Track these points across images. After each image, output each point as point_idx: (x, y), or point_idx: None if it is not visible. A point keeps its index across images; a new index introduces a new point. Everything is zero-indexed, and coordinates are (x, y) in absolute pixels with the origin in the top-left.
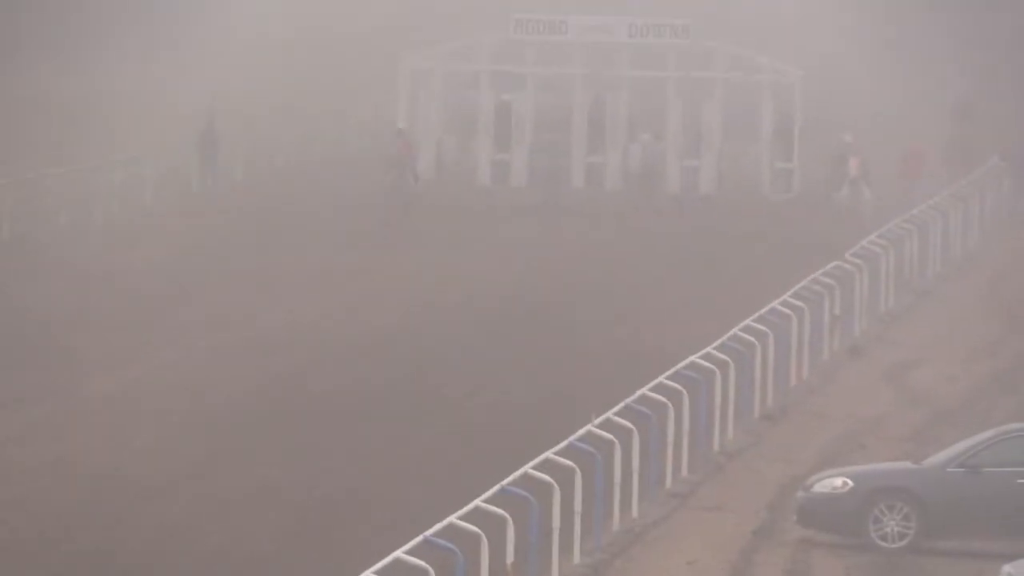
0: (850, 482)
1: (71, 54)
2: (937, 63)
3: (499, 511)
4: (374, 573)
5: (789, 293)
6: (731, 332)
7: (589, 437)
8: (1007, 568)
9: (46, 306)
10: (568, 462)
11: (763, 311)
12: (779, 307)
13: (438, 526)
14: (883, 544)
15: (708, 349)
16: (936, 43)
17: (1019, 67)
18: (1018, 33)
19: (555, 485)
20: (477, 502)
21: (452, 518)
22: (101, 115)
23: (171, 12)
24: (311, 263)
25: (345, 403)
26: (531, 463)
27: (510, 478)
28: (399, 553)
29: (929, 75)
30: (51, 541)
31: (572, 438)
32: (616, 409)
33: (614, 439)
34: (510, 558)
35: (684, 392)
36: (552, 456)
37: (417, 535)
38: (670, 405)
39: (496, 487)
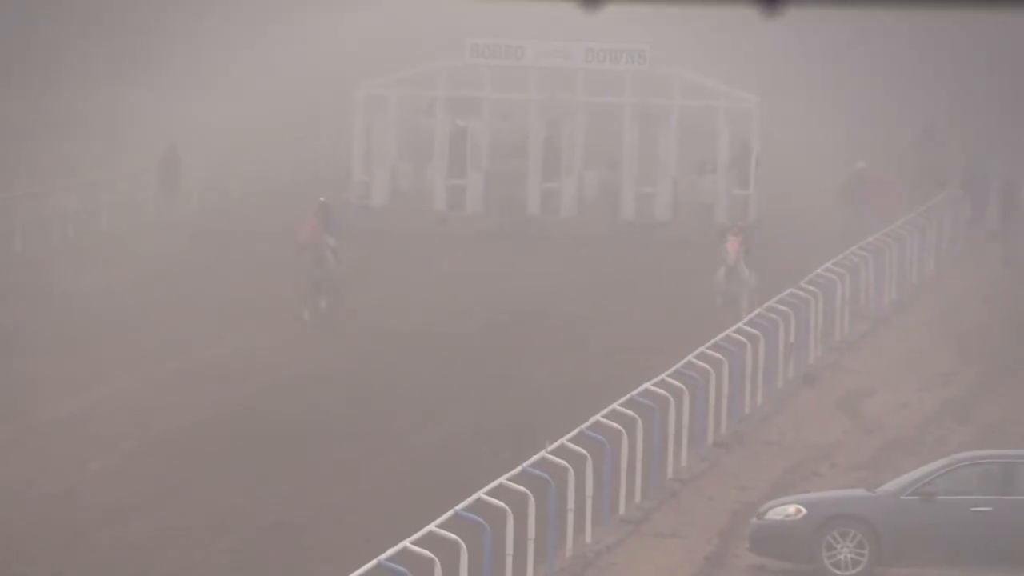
0: (804, 509)
1: (30, 74)
2: (908, 87)
3: (453, 536)
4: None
5: (744, 321)
6: (685, 359)
7: (543, 463)
8: None
9: (3, 327)
10: (521, 488)
11: (718, 338)
12: (733, 335)
13: (392, 550)
14: (836, 572)
15: (662, 376)
16: (907, 67)
17: (992, 91)
18: (992, 57)
19: (509, 511)
20: (431, 527)
21: (406, 542)
22: (56, 136)
23: (140, 37)
24: (266, 291)
25: (297, 431)
26: (484, 489)
27: (464, 503)
28: (406, 544)
29: (898, 101)
30: (5, 565)
31: (526, 464)
32: (570, 436)
33: (568, 465)
34: None
35: (638, 419)
36: (505, 482)
37: (371, 559)
38: (624, 432)
39: (450, 512)
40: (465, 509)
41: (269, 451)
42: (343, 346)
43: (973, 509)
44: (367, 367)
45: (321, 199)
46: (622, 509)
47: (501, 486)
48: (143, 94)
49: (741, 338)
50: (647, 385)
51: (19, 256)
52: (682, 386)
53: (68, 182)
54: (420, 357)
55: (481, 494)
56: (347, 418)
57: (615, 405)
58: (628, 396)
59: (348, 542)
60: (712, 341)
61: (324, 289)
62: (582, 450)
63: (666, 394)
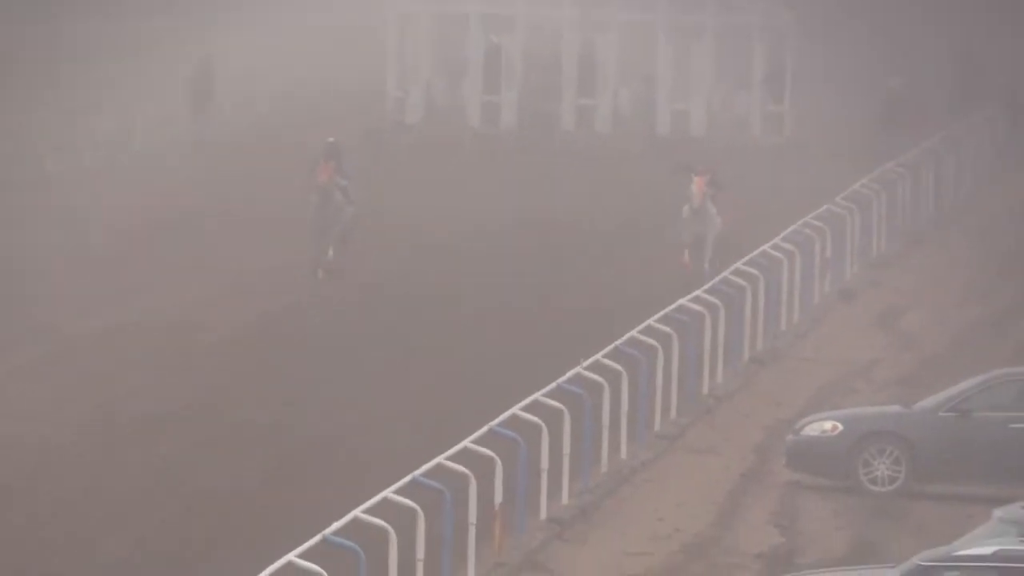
0: (840, 426)
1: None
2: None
3: (487, 452)
4: (363, 512)
5: (780, 237)
6: (722, 275)
7: (578, 379)
8: (998, 512)
9: (37, 249)
10: (557, 404)
11: (754, 254)
12: (770, 250)
13: (426, 466)
14: (873, 488)
15: (698, 292)
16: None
17: None
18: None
19: (544, 426)
20: (465, 443)
21: (440, 459)
22: (84, 63)
23: None
24: (303, 208)
25: (334, 346)
26: (520, 404)
27: (499, 419)
28: (388, 493)
29: (935, 23)
30: (40, 481)
31: (561, 380)
32: (606, 351)
33: (603, 381)
34: (498, 499)
35: (674, 335)
36: (541, 398)
37: (405, 475)
38: (660, 348)
39: (484, 428)
40: (500, 425)
41: (309, 364)
42: (381, 260)
43: (1011, 426)
44: (409, 279)
45: (329, 139)
46: (657, 425)
47: (536, 402)
48: (170, 19)
49: (777, 254)
50: (682, 301)
51: (52, 177)
52: (718, 302)
53: (99, 104)
54: (459, 271)
55: (516, 410)
56: (385, 334)
57: (650, 321)
58: (663, 312)
59: (385, 455)
60: (748, 257)
61: (331, 235)
62: (617, 366)
63: (702, 310)
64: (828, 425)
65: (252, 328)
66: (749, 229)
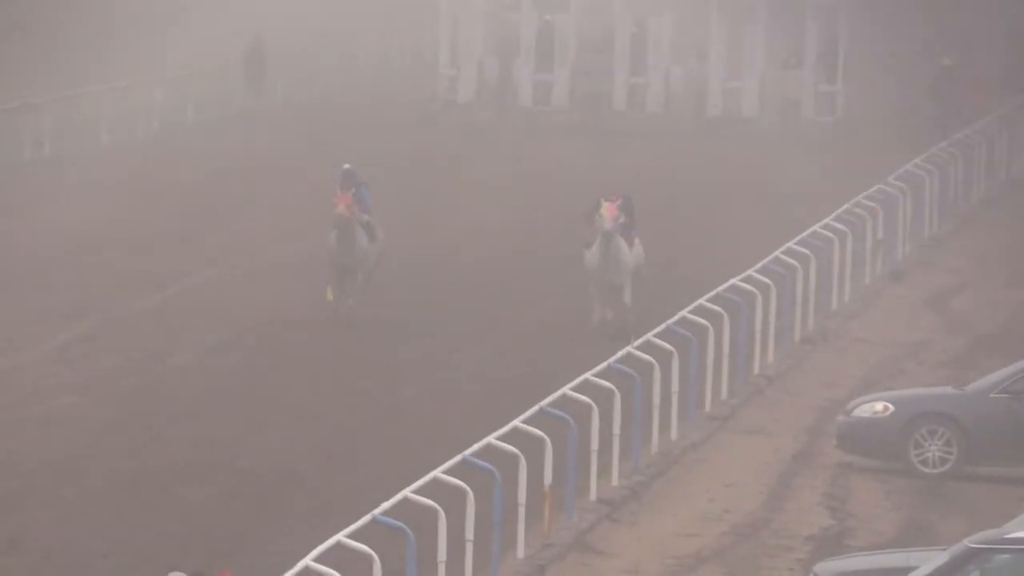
0: (891, 407)
1: None
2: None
3: (537, 432)
4: (413, 492)
5: (832, 216)
6: (772, 255)
7: (629, 359)
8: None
9: (88, 223)
10: (608, 384)
11: (805, 234)
12: (821, 230)
13: (477, 446)
14: (924, 469)
15: (749, 272)
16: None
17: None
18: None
19: (594, 406)
20: (515, 423)
21: (491, 438)
22: (144, 32)
23: None
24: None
25: (380, 326)
26: (570, 384)
27: (549, 399)
28: (437, 473)
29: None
30: (88, 458)
31: (611, 360)
32: (656, 331)
33: (654, 361)
34: (548, 479)
35: (724, 315)
36: (591, 378)
37: (455, 455)
38: (711, 328)
39: (535, 408)
40: (550, 405)
41: (353, 346)
42: (432, 239)
43: None
44: (455, 260)
45: (345, 166)
46: (708, 405)
47: (587, 382)
48: None
49: (828, 234)
50: (734, 280)
51: (105, 149)
52: (769, 282)
53: (152, 77)
54: (508, 251)
55: (566, 390)
56: (434, 311)
57: (701, 300)
58: (715, 291)
59: (432, 437)
60: (799, 237)
61: (353, 274)
62: (668, 346)
63: (753, 290)
64: (879, 406)
65: (299, 308)
66: (803, 207)
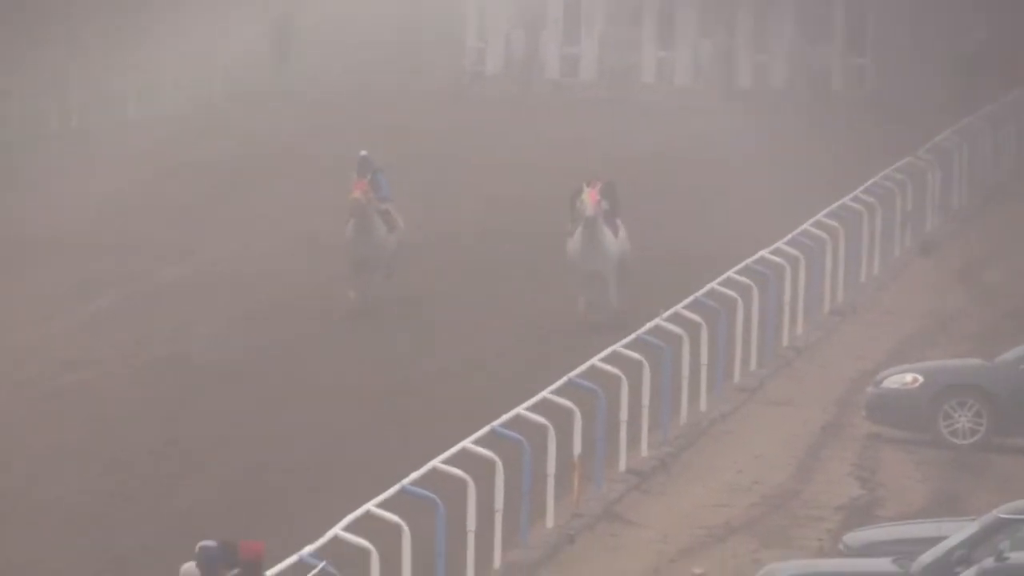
0: (921, 378)
1: None
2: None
3: (566, 403)
4: (442, 462)
5: (861, 189)
6: (802, 227)
7: (658, 331)
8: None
9: (114, 196)
10: (637, 355)
11: (834, 207)
12: (850, 203)
13: (506, 417)
14: (953, 440)
15: (779, 244)
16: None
17: None
18: None
19: (623, 378)
20: (544, 394)
21: (520, 409)
22: (170, 5)
23: None
24: (380, 158)
25: (407, 299)
26: (598, 355)
27: (577, 370)
28: (466, 443)
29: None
30: (114, 428)
31: (640, 331)
32: (685, 303)
33: (683, 333)
34: (577, 450)
35: (754, 287)
36: (620, 349)
37: (483, 426)
38: (739, 300)
39: (563, 379)
40: (579, 376)
41: (380, 318)
42: (460, 213)
43: None
44: (485, 232)
45: (362, 152)
46: (737, 377)
47: (616, 353)
48: None
49: (857, 207)
50: (763, 253)
51: (132, 122)
52: (798, 254)
53: (180, 53)
54: (535, 224)
55: (595, 361)
56: (466, 285)
57: (730, 272)
58: (743, 264)
59: (461, 408)
60: (828, 209)
61: (372, 267)
62: (697, 318)
63: (782, 262)
64: (909, 378)
65: (325, 281)
66: (832, 180)
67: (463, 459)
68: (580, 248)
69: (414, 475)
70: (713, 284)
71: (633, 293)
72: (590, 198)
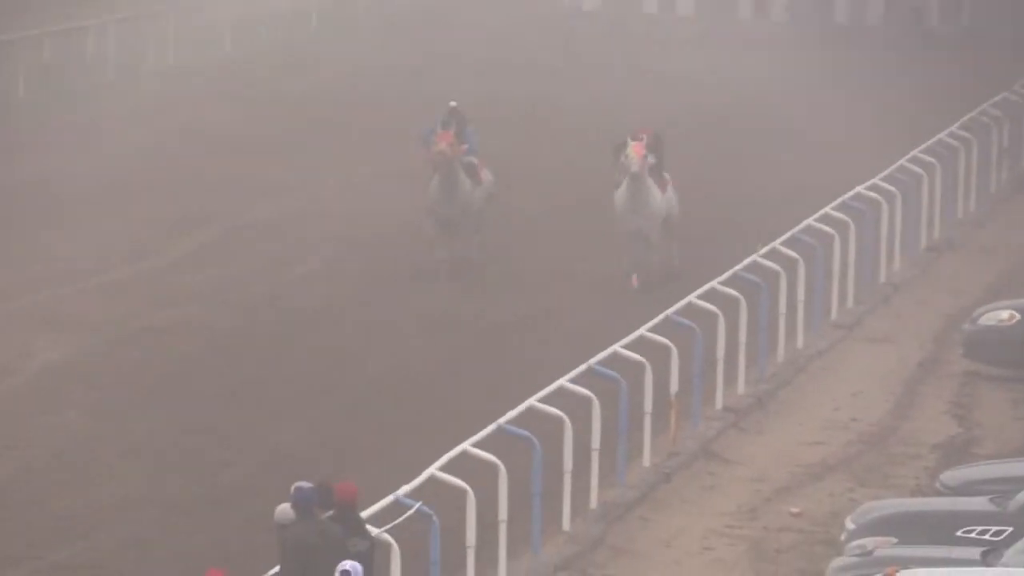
0: (1017, 315)
1: None
2: None
3: (663, 341)
4: (538, 401)
5: (957, 124)
6: (898, 163)
7: (755, 267)
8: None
9: (213, 131)
10: (733, 292)
11: (930, 142)
12: (946, 138)
13: (602, 354)
14: None
15: (875, 180)
16: None
17: None
18: None
19: (720, 314)
20: (641, 331)
21: (616, 347)
22: None
23: None
24: (476, 90)
25: (501, 236)
26: (696, 292)
27: (674, 307)
28: (563, 381)
29: None
30: (207, 368)
31: (737, 268)
32: (782, 239)
33: (780, 269)
34: (674, 388)
35: (850, 223)
36: (717, 286)
37: (580, 363)
38: (837, 236)
39: (660, 316)
40: (676, 313)
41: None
42: (552, 147)
43: None
44: (585, 171)
45: (451, 103)
46: (834, 314)
47: (713, 290)
48: None
49: (955, 142)
50: (859, 189)
51: (228, 57)
52: (895, 190)
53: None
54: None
55: (692, 298)
56: (554, 222)
57: (827, 209)
58: (840, 199)
59: (562, 343)
60: (924, 145)
61: (458, 224)
62: (794, 254)
63: (879, 198)
64: (1005, 314)
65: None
66: (929, 115)
67: (560, 398)
68: (625, 204)
69: (511, 414)
70: (810, 220)
71: (729, 229)
72: (635, 152)
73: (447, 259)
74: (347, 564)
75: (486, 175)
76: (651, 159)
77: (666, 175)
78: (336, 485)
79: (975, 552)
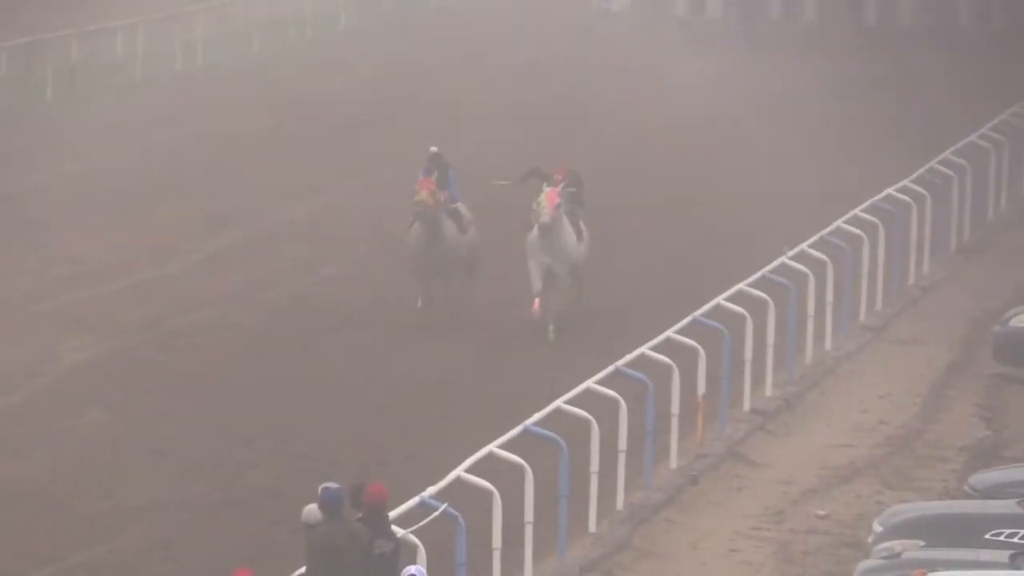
0: None
1: None
2: None
3: (690, 342)
4: (565, 403)
5: (988, 127)
6: (928, 165)
7: (783, 269)
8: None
9: (240, 132)
10: (761, 294)
11: (959, 145)
12: (977, 141)
13: (629, 356)
14: None
15: (904, 182)
16: None
17: None
18: None
19: (748, 316)
20: (669, 333)
21: (644, 348)
22: None
23: None
24: (505, 95)
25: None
26: (724, 294)
27: (703, 309)
28: (590, 383)
29: None
30: (239, 367)
31: (765, 270)
32: (810, 241)
33: (808, 272)
34: (701, 390)
35: (880, 226)
36: (745, 288)
37: (607, 364)
38: (865, 238)
39: (688, 318)
40: (704, 315)
41: (504, 257)
42: (592, 141)
43: None
44: (616, 172)
45: (432, 149)
46: (862, 316)
47: (741, 292)
48: None
49: (985, 144)
50: (889, 191)
51: (255, 57)
52: (925, 192)
53: None
54: (668, 154)
55: (720, 300)
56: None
57: (856, 211)
58: (869, 202)
59: (584, 349)
60: (955, 147)
61: (443, 271)
62: (822, 256)
63: (909, 200)
64: None
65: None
66: (959, 119)
67: (586, 399)
68: (537, 246)
69: (537, 416)
70: (839, 222)
71: (766, 223)
72: (548, 201)
73: (425, 307)
74: (412, 569)
75: (470, 221)
76: (567, 194)
77: (582, 225)
78: (366, 487)
79: (1003, 555)
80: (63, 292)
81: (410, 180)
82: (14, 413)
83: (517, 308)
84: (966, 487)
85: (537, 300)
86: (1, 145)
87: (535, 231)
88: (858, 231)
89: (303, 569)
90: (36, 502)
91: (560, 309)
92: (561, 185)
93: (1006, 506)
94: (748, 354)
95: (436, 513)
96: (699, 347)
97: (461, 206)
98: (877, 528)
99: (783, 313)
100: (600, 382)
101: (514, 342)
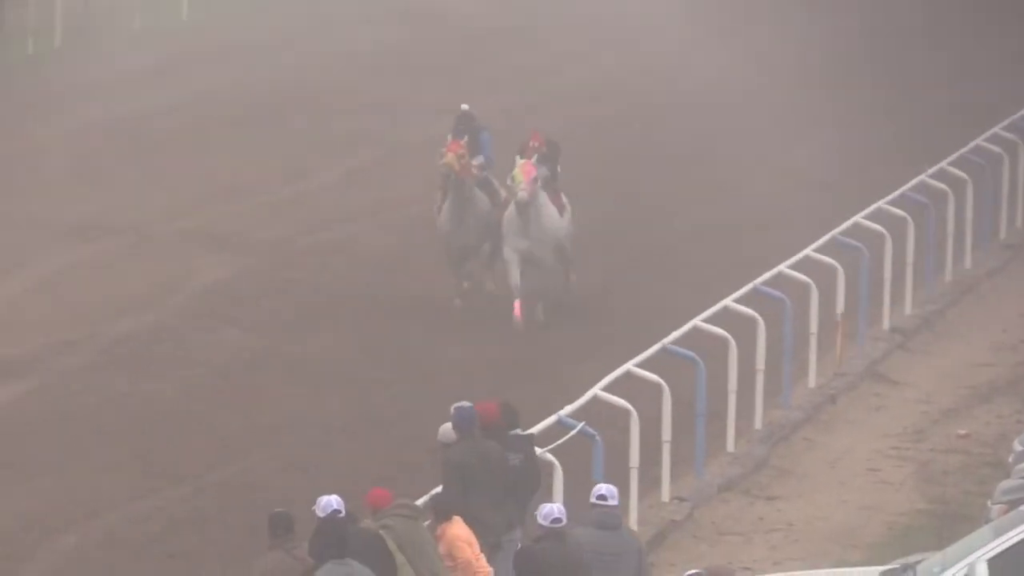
0: None
1: None
2: None
3: (830, 261)
4: (703, 320)
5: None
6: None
7: (922, 187)
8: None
9: (369, 54)
10: (901, 212)
11: None
12: None
13: (767, 275)
14: None
15: None
16: None
17: None
18: None
19: (887, 235)
20: (807, 251)
21: (782, 267)
22: None
23: None
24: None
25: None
26: (862, 213)
27: (841, 227)
28: (728, 302)
29: None
30: (371, 286)
31: (904, 188)
32: (950, 160)
33: (947, 189)
34: (840, 309)
35: (1020, 143)
36: (884, 206)
37: (745, 284)
38: (1006, 156)
39: (826, 236)
40: (842, 234)
41: (617, 185)
42: (611, 109)
43: None
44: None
45: (463, 106)
46: (1003, 233)
47: (879, 210)
48: None
49: None
50: None
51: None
52: None
53: None
54: (748, 101)
55: (859, 218)
56: (706, 145)
57: (996, 129)
58: (1010, 120)
59: (725, 263)
60: None
61: (475, 251)
62: (962, 174)
63: None
64: None
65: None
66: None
67: (724, 318)
68: (513, 226)
69: (675, 334)
70: (978, 140)
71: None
72: (523, 174)
73: (459, 284)
74: (603, 488)
75: (502, 193)
76: (545, 171)
77: (564, 198)
78: (477, 407)
79: None
80: (198, 210)
81: (541, 96)
82: (150, 331)
83: (658, 223)
84: None
85: (518, 303)
86: (105, 73)
87: (511, 209)
88: (999, 149)
89: (439, 487)
90: (171, 421)
91: (548, 291)
92: (535, 156)
93: None
94: (887, 272)
95: (573, 432)
96: (838, 265)
97: (493, 176)
98: (1018, 447)
99: (923, 231)
100: (738, 300)
101: (650, 260)
